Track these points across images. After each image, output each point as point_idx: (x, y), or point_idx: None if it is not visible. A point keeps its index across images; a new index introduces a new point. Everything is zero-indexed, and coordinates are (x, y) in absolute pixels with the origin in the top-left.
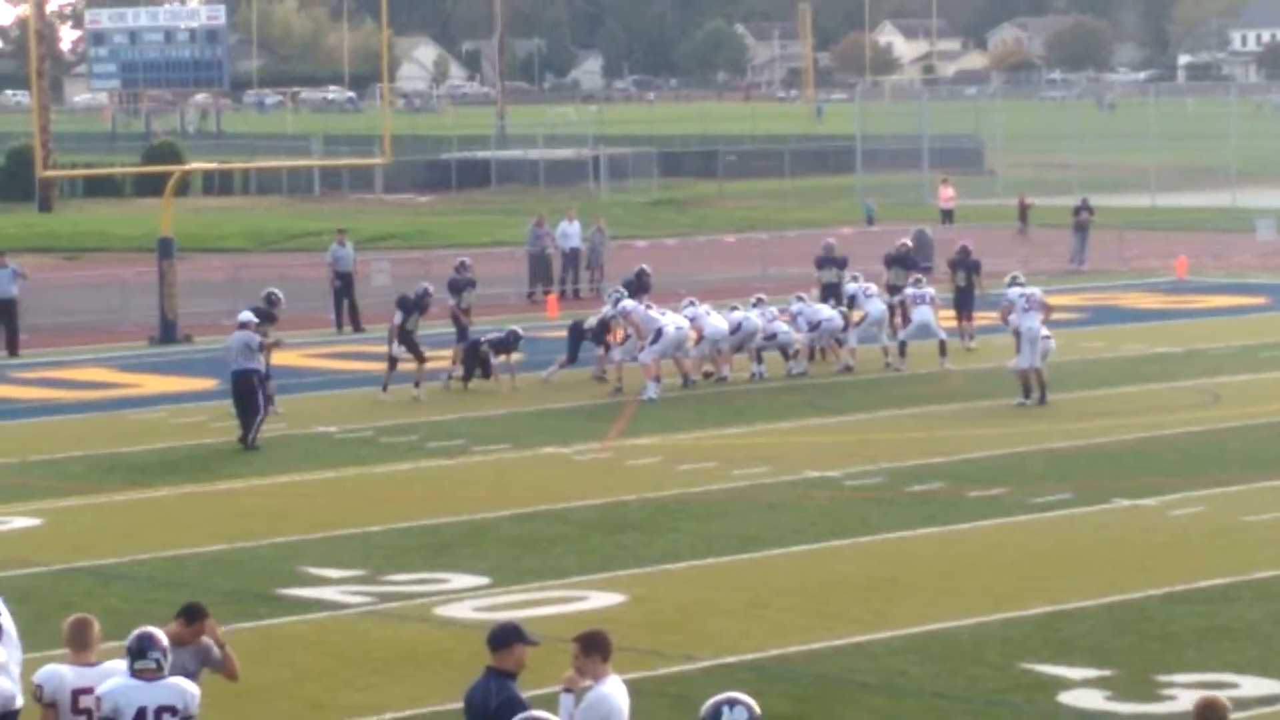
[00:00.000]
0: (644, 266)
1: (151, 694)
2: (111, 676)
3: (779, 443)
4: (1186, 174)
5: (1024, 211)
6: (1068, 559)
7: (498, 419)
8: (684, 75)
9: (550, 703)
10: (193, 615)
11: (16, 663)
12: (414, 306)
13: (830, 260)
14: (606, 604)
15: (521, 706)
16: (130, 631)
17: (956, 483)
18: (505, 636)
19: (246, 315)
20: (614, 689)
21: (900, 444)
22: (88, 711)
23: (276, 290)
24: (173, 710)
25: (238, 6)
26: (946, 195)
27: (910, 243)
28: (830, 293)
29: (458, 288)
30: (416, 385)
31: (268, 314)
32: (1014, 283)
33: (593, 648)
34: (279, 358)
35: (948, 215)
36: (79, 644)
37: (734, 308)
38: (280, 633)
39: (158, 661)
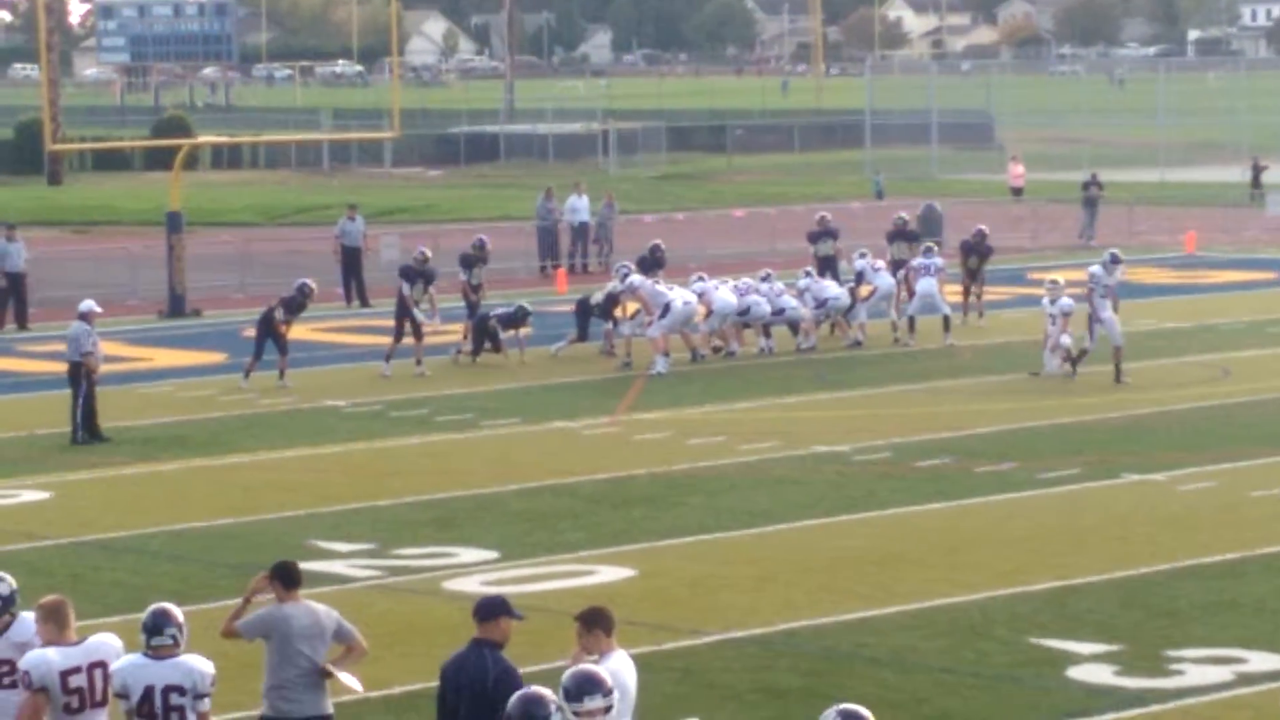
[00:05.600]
0: (658, 242)
1: (160, 673)
2: (98, 650)
3: (787, 417)
4: (1196, 149)
5: (1257, 176)
6: (1076, 534)
7: (507, 393)
8: (693, 50)
9: (553, 678)
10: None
11: None
12: (417, 275)
13: (825, 233)
14: (614, 578)
15: (517, 676)
16: (138, 605)
17: (965, 458)
18: (493, 609)
19: (87, 306)
20: (618, 664)
21: (908, 419)
22: (78, 691)
23: (309, 281)
24: (180, 690)
25: None
26: (1017, 172)
27: (906, 216)
28: (827, 266)
29: (469, 263)
30: (418, 362)
31: (300, 304)
32: (1113, 260)
33: (594, 623)
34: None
35: (1018, 192)
36: (58, 624)
37: (738, 287)
38: None
39: (174, 638)
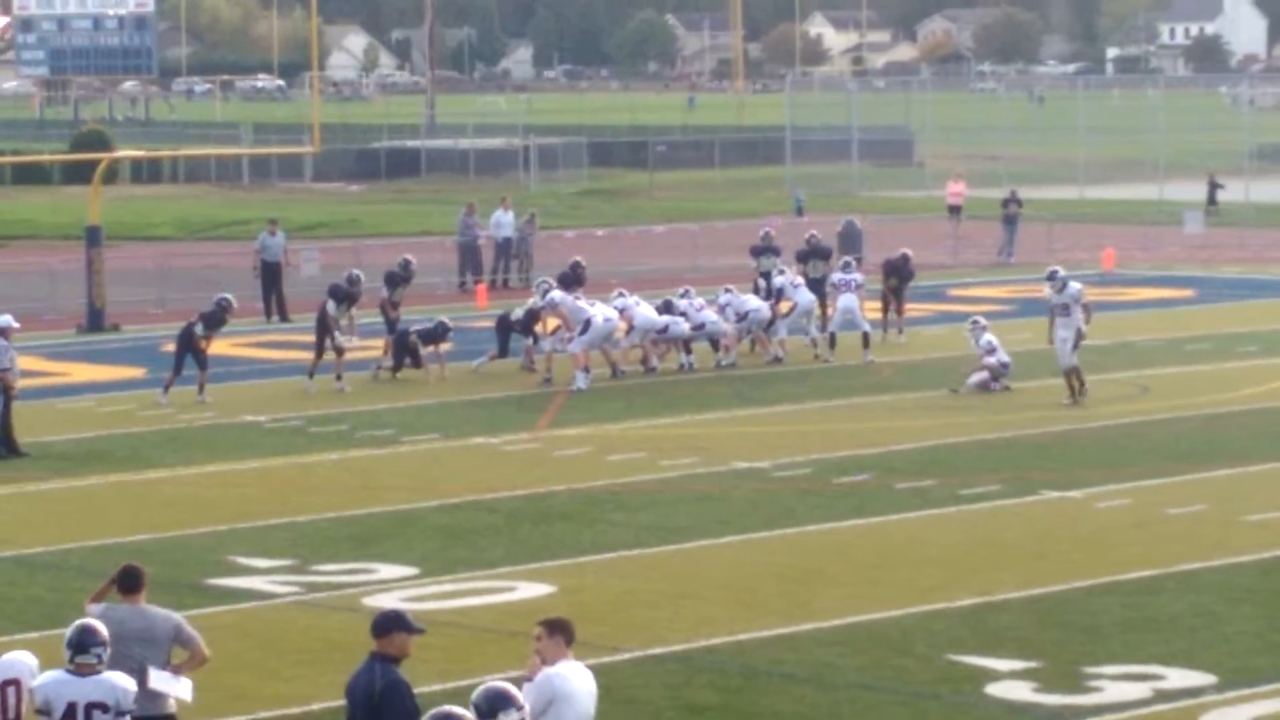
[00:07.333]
0: (578, 259)
1: (83, 689)
2: (11, 668)
3: (708, 434)
4: (1114, 167)
5: (1213, 192)
6: (995, 551)
7: (427, 409)
8: (615, 65)
9: (460, 695)
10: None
11: None
12: (345, 296)
13: (768, 249)
14: (534, 594)
15: (406, 689)
16: (56, 621)
17: (884, 474)
18: (387, 623)
19: (4, 321)
20: (569, 671)
21: (828, 435)
22: None
23: (229, 296)
24: (104, 707)
25: None
26: (955, 190)
27: (818, 233)
28: (767, 281)
29: (393, 281)
30: (338, 378)
31: (219, 319)
32: (1050, 277)
33: (556, 629)
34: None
35: (955, 211)
36: None
37: (659, 305)
38: (208, 623)
39: (99, 656)
